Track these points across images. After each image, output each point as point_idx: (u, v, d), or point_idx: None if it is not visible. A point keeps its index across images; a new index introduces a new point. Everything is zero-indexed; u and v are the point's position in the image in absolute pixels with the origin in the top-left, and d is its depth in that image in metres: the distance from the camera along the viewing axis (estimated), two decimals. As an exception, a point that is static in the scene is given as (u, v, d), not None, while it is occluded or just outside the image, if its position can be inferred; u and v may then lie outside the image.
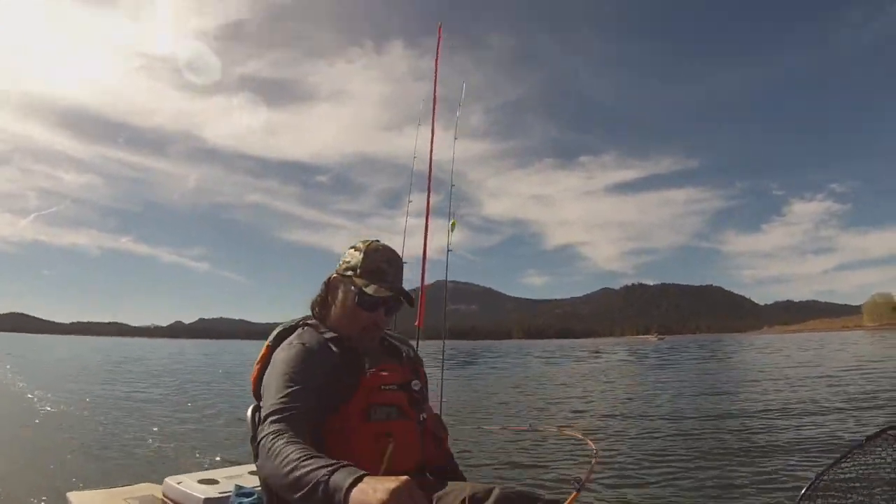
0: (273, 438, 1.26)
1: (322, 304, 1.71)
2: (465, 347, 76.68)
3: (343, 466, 1.10)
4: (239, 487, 2.11)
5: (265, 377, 1.52)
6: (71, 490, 2.93)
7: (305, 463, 1.14)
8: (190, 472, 2.40)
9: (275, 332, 1.75)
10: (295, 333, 1.64)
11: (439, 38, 2.98)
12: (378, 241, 1.75)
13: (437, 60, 2.93)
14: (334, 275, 1.70)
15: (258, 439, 1.30)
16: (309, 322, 1.71)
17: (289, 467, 1.16)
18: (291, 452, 1.19)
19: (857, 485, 1.39)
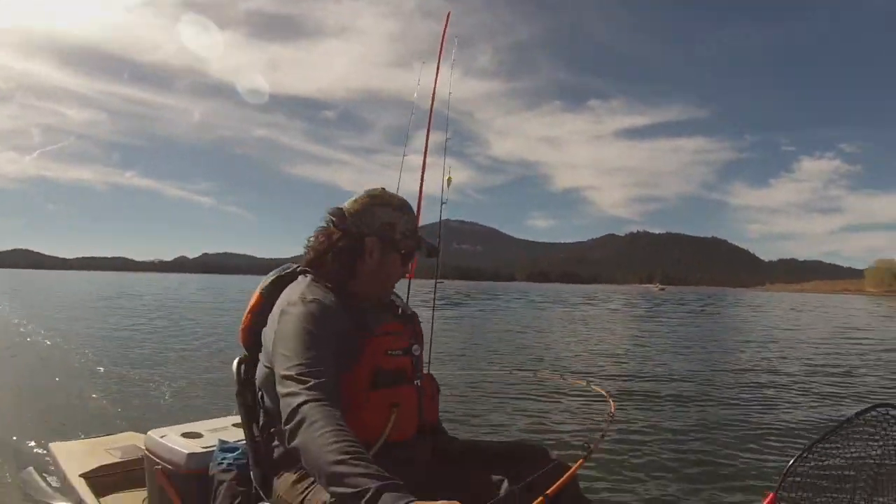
0: (316, 409, 1.19)
1: (344, 267, 1.56)
2: (465, 288, 77.05)
3: (394, 484, 1.03)
4: (223, 442, 2.04)
5: (277, 331, 1.41)
6: (53, 440, 2.93)
7: (354, 462, 1.08)
8: (172, 424, 2.32)
9: (268, 280, 1.66)
10: (302, 286, 1.52)
11: (445, 27, 2.72)
12: (385, 189, 1.65)
13: (441, 45, 2.64)
14: (370, 236, 1.57)
15: (293, 401, 1.22)
16: (307, 271, 1.59)
17: (334, 457, 1.09)
18: (340, 441, 1.12)
19: (844, 461, 1.38)
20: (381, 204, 1.60)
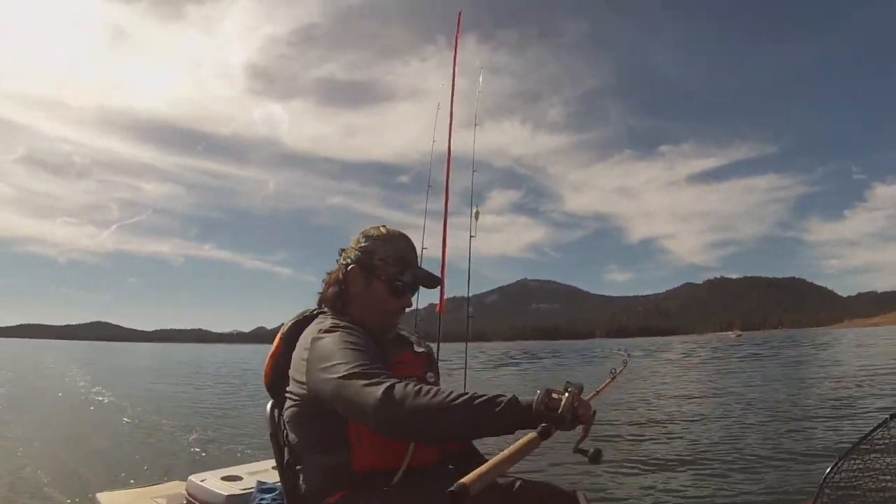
0: (409, 385, 1.23)
1: (340, 296, 1.64)
2: (537, 347, 72.79)
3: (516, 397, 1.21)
4: (261, 483, 2.07)
5: (312, 355, 1.44)
6: (101, 490, 3.01)
7: (479, 395, 1.21)
8: (214, 468, 2.36)
9: (288, 325, 1.70)
10: (325, 321, 1.57)
11: (458, 27, 2.80)
12: (385, 226, 1.71)
13: (456, 45, 2.75)
14: (352, 265, 1.64)
15: (376, 390, 1.23)
16: (323, 311, 1.65)
17: (462, 399, 1.18)
18: (454, 392, 1.21)
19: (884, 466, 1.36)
20: (366, 236, 1.67)
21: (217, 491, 2.11)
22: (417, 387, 1.21)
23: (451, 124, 2.66)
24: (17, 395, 12.49)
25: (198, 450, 5.24)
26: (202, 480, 2.23)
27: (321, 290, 1.70)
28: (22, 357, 39.30)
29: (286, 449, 1.60)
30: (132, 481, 3.87)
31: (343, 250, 1.69)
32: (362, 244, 1.65)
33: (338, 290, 1.64)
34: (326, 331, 1.48)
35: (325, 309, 1.66)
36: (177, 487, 2.81)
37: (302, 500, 1.54)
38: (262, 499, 1.98)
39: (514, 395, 1.20)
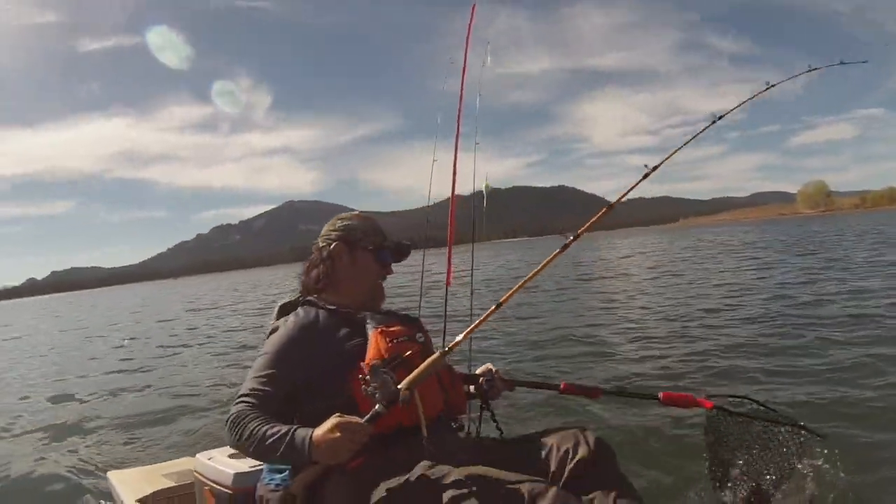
0: (237, 417, 1.47)
1: (326, 275, 1.77)
2: None
3: (300, 427, 1.42)
4: (271, 463, 2.04)
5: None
6: (111, 469, 3.00)
7: (272, 430, 1.42)
8: (220, 446, 2.34)
9: (276, 309, 1.81)
10: (294, 314, 1.71)
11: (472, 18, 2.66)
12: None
13: (467, 40, 2.59)
14: (335, 242, 1.78)
15: (232, 408, 1.51)
16: (310, 299, 1.76)
17: (254, 444, 1.43)
18: (257, 426, 1.44)
19: None
20: (341, 218, 1.85)
21: (224, 469, 2.08)
22: (238, 421, 1.46)
23: (461, 95, 2.53)
24: None
25: (199, 426, 5.21)
26: (210, 458, 2.20)
27: (302, 278, 1.82)
28: None
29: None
30: (138, 459, 3.84)
31: (316, 241, 1.85)
32: (340, 225, 1.81)
33: (323, 270, 1.77)
34: (279, 326, 1.66)
35: (311, 297, 1.76)
36: (187, 464, 2.80)
37: (315, 483, 1.54)
38: (271, 479, 1.93)
39: (291, 435, 1.40)
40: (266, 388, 1.52)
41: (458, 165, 2.48)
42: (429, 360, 1.52)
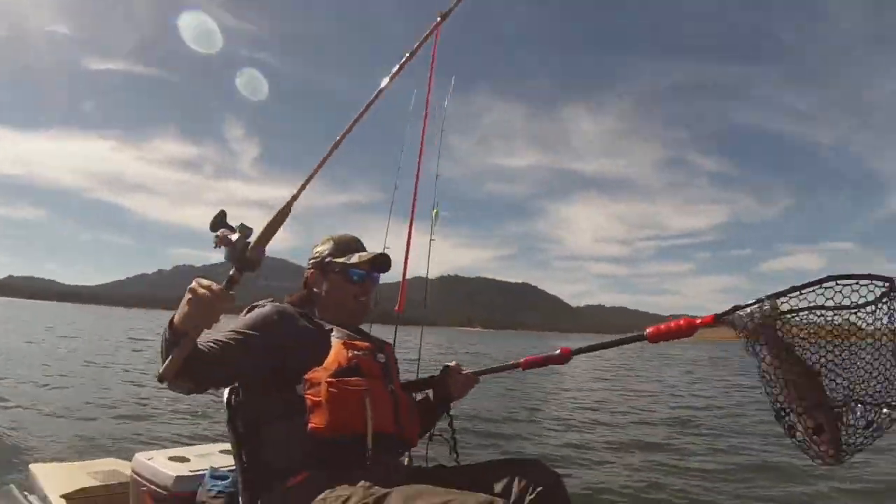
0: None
1: (305, 301, 1.81)
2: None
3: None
4: (214, 469, 2.06)
5: None
6: (34, 462, 2.89)
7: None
8: (159, 448, 2.35)
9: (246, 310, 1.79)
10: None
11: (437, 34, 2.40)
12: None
13: (434, 52, 2.47)
14: (310, 270, 1.83)
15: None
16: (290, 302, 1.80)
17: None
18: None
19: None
20: (323, 240, 1.86)
21: (165, 472, 2.08)
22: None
23: (425, 117, 2.53)
24: None
25: (132, 428, 5.06)
26: (150, 459, 2.19)
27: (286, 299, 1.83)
28: None
29: (242, 432, 1.64)
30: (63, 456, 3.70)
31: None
32: (316, 251, 1.84)
33: (303, 295, 1.82)
34: (249, 308, 1.66)
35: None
36: (112, 464, 2.75)
37: (260, 484, 1.57)
38: (214, 485, 1.93)
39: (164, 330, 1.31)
40: (214, 347, 1.42)
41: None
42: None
